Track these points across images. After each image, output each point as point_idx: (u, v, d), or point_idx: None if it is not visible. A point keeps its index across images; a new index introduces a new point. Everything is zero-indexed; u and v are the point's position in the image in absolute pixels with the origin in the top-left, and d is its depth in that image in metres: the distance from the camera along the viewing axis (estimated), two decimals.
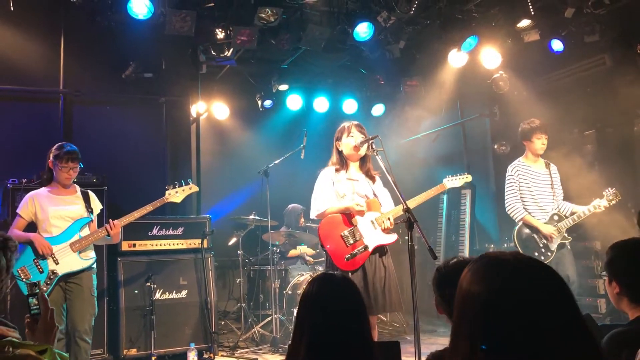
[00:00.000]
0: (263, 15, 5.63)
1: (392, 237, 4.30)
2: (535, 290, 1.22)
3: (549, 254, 5.05)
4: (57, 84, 6.49)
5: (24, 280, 4.22)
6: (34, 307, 1.87)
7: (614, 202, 5.00)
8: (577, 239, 6.17)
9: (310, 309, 1.94)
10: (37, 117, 6.47)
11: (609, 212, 5.37)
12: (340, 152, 4.41)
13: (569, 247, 5.16)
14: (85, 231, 4.49)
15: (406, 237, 3.67)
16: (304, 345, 1.88)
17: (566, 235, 5.10)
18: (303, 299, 2.00)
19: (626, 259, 2.16)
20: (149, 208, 4.62)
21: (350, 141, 4.34)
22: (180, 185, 4.84)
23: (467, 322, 1.26)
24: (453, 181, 4.65)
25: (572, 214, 5.09)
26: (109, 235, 4.45)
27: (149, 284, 5.57)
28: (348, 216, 4.26)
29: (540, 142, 5.23)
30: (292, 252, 7.25)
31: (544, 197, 5.21)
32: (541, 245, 5.10)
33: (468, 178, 4.70)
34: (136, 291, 5.63)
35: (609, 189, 5.03)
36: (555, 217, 5.13)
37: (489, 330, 1.21)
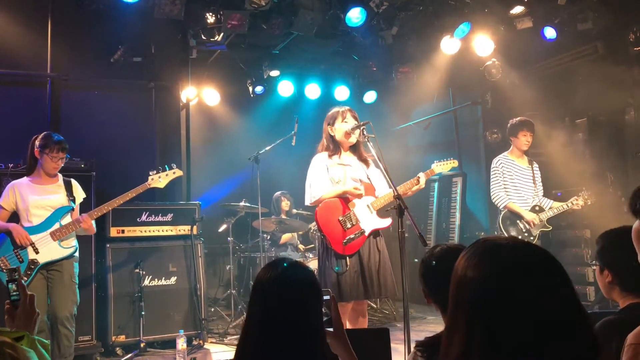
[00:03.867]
0: None
1: (387, 221, 4.30)
2: (533, 274, 1.19)
3: (532, 238, 5.33)
4: (44, 68, 6.38)
5: (3, 270, 4.18)
6: (14, 293, 1.84)
7: (589, 202, 5.34)
8: (566, 227, 6.21)
9: (255, 294, 1.89)
10: (24, 102, 6.37)
11: (598, 200, 5.39)
12: (332, 137, 4.37)
13: (550, 237, 5.47)
14: (67, 219, 4.43)
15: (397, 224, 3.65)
16: (250, 333, 1.83)
17: (547, 224, 5.39)
18: (253, 284, 1.94)
19: (617, 247, 2.13)
20: (130, 195, 4.54)
21: (344, 126, 4.30)
22: (164, 170, 4.75)
23: (463, 309, 1.23)
24: (441, 166, 4.63)
25: (551, 208, 5.43)
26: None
27: (137, 270, 5.54)
28: (345, 201, 4.25)
29: (525, 139, 5.48)
30: (285, 237, 7.25)
31: (526, 190, 5.49)
32: (524, 230, 5.39)
33: (454, 163, 4.68)
34: (125, 277, 5.59)
35: (584, 191, 5.37)
36: (537, 208, 5.42)
37: (486, 316, 1.17)
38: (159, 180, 4.71)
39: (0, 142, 5.85)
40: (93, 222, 4.50)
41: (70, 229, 4.38)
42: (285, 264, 1.92)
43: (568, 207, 5.37)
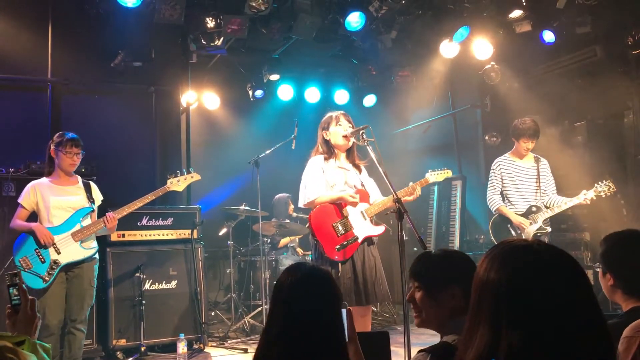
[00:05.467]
0: (253, 4, 5.58)
1: (381, 229, 4.30)
2: (554, 275, 1.21)
3: None
4: (45, 73, 6.40)
5: (25, 270, 4.20)
6: (15, 298, 1.84)
7: (604, 194, 5.00)
8: (566, 230, 6.20)
9: (276, 299, 1.90)
10: (25, 106, 6.38)
11: (598, 203, 5.40)
12: (327, 141, 4.38)
13: (547, 240, 5.21)
14: (87, 221, 4.47)
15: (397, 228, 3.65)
16: (271, 336, 1.84)
17: (543, 225, 5.18)
18: (274, 289, 1.96)
19: (621, 250, 2.14)
20: (150, 197, 4.58)
21: (339, 130, 4.31)
22: (182, 174, 4.80)
23: (486, 312, 1.24)
24: (435, 175, 4.58)
25: (558, 206, 5.16)
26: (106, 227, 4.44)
27: (138, 274, 5.54)
28: (339, 206, 4.24)
29: (525, 146, 5.30)
30: (283, 242, 7.24)
31: (528, 190, 5.32)
32: (514, 234, 5.25)
33: (448, 173, 4.61)
34: (126, 281, 5.59)
35: (603, 181, 5.02)
36: (533, 209, 5.24)
37: (512, 317, 1.19)
38: (177, 183, 4.75)
39: (1, 146, 5.87)
40: None
41: (92, 230, 4.42)
42: (305, 269, 1.94)
43: (573, 203, 5.06)
